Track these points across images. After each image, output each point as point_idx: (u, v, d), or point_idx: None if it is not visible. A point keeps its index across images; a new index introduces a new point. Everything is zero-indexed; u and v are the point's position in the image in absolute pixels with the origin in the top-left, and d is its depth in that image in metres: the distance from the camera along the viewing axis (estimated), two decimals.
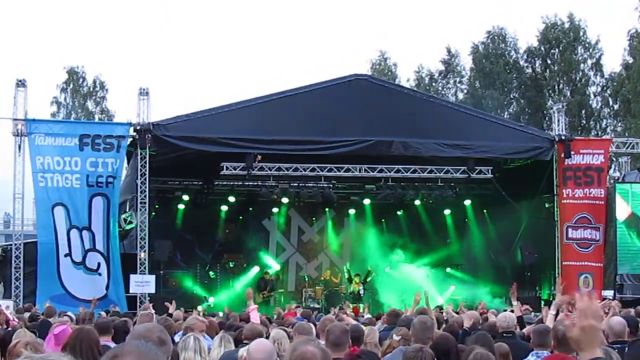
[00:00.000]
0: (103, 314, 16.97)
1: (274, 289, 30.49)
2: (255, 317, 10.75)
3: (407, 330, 8.24)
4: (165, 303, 16.34)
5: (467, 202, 31.13)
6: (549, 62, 53.43)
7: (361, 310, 24.77)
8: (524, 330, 11.18)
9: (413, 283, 29.32)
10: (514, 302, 13.02)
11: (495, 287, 28.19)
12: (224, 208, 30.50)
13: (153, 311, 13.69)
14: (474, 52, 54.42)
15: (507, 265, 29.13)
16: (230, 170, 25.61)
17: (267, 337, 8.42)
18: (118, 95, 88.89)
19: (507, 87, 53.58)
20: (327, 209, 32.58)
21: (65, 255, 23.49)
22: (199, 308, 23.64)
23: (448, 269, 31.58)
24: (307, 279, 31.77)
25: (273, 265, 31.83)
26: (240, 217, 31.66)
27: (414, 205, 30.99)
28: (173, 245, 28.84)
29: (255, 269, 31.15)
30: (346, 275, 30.80)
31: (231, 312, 17.43)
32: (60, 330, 8.16)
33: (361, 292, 29.75)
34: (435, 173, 27.03)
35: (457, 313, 15.82)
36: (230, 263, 31.47)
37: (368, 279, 30.39)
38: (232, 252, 31.63)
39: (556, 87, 53.02)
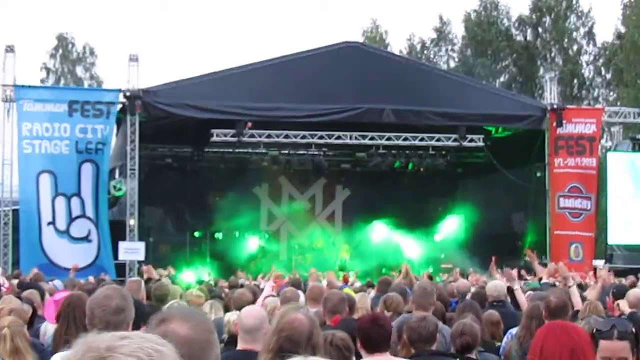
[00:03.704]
0: (91, 279, 16.91)
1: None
2: (267, 288, 10.56)
3: (397, 302, 8.13)
4: (144, 267, 16.10)
5: (459, 171, 31.16)
6: (540, 30, 53.20)
7: (350, 278, 24.75)
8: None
9: (401, 252, 29.46)
10: (496, 276, 12.93)
11: (485, 256, 28.20)
12: (214, 175, 30.40)
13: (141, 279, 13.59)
14: (466, 20, 54.14)
15: (498, 234, 29.16)
16: (220, 137, 25.47)
17: None
18: (107, 61, 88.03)
19: (498, 56, 53.36)
20: (317, 177, 32.55)
21: (48, 224, 23.30)
22: (188, 276, 23.53)
23: (438, 238, 31.62)
24: (297, 247, 31.84)
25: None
26: (231, 185, 31.58)
27: (405, 173, 30.95)
28: (163, 212, 28.79)
29: (253, 240, 31.25)
30: (335, 244, 30.92)
31: (220, 280, 17.41)
32: (62, 297, 8.06)
33: (347, 260, 29.95)
34: (427, 141, 26.95)
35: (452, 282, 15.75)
36: (221, 231, 31.45)
37: (353, 248, 30.62)
38: (222, 220, 31.56)
39: (548, 55, 52.85)
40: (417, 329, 6.30)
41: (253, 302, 9.25)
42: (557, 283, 12.01)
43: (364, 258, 30.49)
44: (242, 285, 13.59)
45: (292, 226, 33.29)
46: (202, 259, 30.13)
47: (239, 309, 8.21)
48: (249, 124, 25.34)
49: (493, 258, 14.51)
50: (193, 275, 23.61)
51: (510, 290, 10.48)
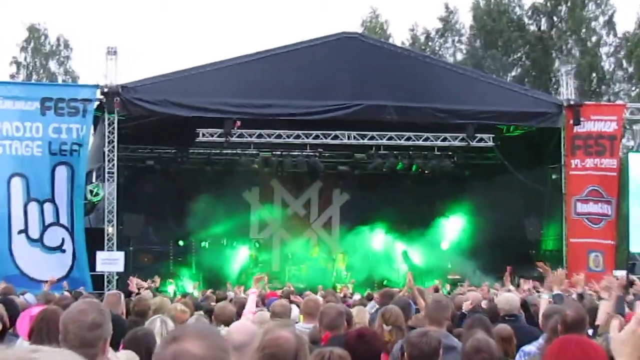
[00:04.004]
0: (67, 294, 16.87)
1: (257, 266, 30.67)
2: (252, 300, 10.58)
3: (397, 314, 8.12)
4: (130, 279, 16.09)
5: (466, 173, 31.22)
6: (556, 19, 53.27)
7: (349, 290, 24.80)
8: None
9: (403, 262, 29.53)
10: (510, 287, 12.97)
11: (496, 266, 28.23)
12: (200, 178, 30.42)
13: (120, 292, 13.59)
14: (475, 9, 54.21)
15: (510, 242, 29.14)
16: (207, 137, 25.51)
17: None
18: (83, 55, 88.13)
19: (510, 47, 53.42)
20: (313, 180, 32.58)
21: (20, 232, 23.27)
22: (170, 289, 23.60)
23: (444, 246, 31.65)
24: (291, 257, 31.87)
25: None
26: (218, 189, 31.56)
27: (408, 175, 30.96)
28: (144, 219, 28.77)
29: (244, 249, 31.28)
30: (332, 253, 30.99)
31: (207, 292, 17.40)
32: (38, 312, 8.06)
33: (343, 272, 30.04)
34: (432, 141, 27.02)
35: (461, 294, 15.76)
36: (207, 239, 31.47)
37: (348, 258, 30.75)
38: (209, 227, 31.53)
39: (564, 47, 52.87)
40: (419, 344, 6.30)
41: (237, 315, 9.28)
42: (573, 294, 12.04)
43: (364, 268, 30.56)
44: (231, 300, 13.60)
45: (286, 234, 33.33)
46: (187, 270, 30.16)
47: (224, 323, 8.24)
48: (238, 123, 25.36)
49: (508, 268, 14.50)
50: (175, 288, 23.62)
51: (525, 305, 10.49)
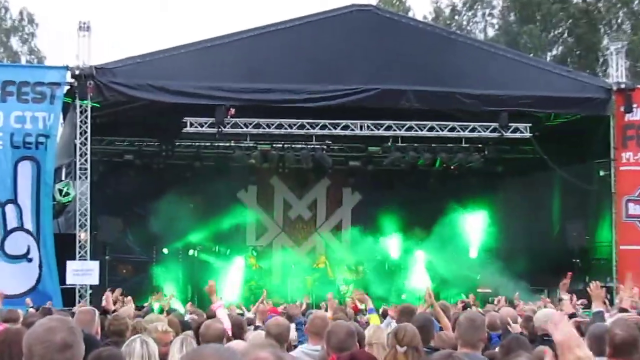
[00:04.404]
0: (33, 311, 16.88)
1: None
2: (223, 316, 10.66)
3: (412, 334, 8.10)
4: (106, 294, 16.09)
5: (499, 169, 31.18)
6: None
7: (362, 306, 24.76)
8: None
9: (426, 273, 29.50)
10: (564, 296, 12.90)
11: (534, 278, 28.19)
12: (188, 175, 30.43)
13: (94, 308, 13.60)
14: None
15: (549, 249, 29.11)
16: (196, 127, 25.49)
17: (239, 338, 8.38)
18: (51, 31, 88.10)
19: (550, 22, 53.35)
20: (320, 177, 32.57)
21: None
22: (155, 305, 23.52)
23: (473, 254, 31.60)
24: (294, 267, 31.89)
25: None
26: (209, 188, 31.55)
27: (430, 172, 30.94)
28: (123, 223, 28.78)
29: (239, 260, 31.28)
30: (342, 263, 30.98)
31: (196, 310, 17.40)
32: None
33: (342, 285, 30.13)
34: (459, 131, 26.94)
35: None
36: (197, 247, 31.50)
37: (363, 268, 30.80)
38: (198, 233, 31.57)
39: (614, 21, 52.82)
40: None
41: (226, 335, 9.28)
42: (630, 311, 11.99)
43: (379, 280, 30.55)
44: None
45: (288, 240, 33.38)
46: (173, 282, 30.15)
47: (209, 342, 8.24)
48: (232, 111, 25.34)
49: (568, 274, 14.33)
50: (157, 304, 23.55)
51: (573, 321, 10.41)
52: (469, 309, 17.35)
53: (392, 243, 31.73)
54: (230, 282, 30.23)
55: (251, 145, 28.42)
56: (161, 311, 19.06)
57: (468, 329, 7.92)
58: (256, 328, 10.56)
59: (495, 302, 19.55)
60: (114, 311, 13.62)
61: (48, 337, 4.56)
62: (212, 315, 12.18)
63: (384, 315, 15.73)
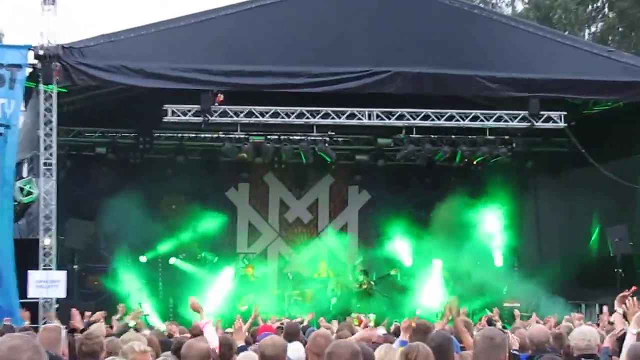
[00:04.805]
0: None
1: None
2: (210, 333, 10.67)
3: (425, 355, 8.12)
4: (74, 311, 16.09)
5: (529, 164, 31.18)
6: None
7: (371, 323, 24.79)
8: (606, 344, 11.05)
9: (445, 284, 29.47)
10: (619, 309, 12.84)
11: (569, 290, 28.19)
12: (170, 172, 30.43)
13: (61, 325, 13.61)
14: None
15: (587, 258, 29.11)
16: (178, 116, 25.49)
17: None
18: (9, 4, 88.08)
19: None
20: (322, 174, 32.57)
21: None
22: (130, 323, 23.49)
23: (498, 262, 31.55)
24: (292, 278, 31.73)
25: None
26: (194, 186, 31.54)
27: (450, 168, 30.96)
28: (94, 227, 28.78)
29: (228, 270, 31.16)
30: (347, 272, 30.97)
31: (178, 327, 17.43)
32: None
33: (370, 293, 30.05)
34: (482, 121, 26.92)
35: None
36: (179, 254, 31.43)
37: (381, 278, 30.75)
38: (181, 238, 31.52)
39: None
40: None
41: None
42: None
43: (390, 292, 30.53)
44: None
45: (285, 247, 33.31)
46: (152, 295, 30.14)
47: None
48: (220, 97, 25.31)
49: (632, 288, 14.26)
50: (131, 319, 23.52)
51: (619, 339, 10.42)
52: (492, 325, 17.37)
53: (404, 250, 31.64)
54: (216, 295, 30.15)
55: (242, 136, 28.31)
56: (136, 329, 19.12)
57: (485, 349, 7.87)
58: (241, 349, 10.55)
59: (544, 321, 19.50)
60: (83, 330, 13.64)
61: (12, 356, 4.57)
62: (197, 333, 12.20)
63: (396, 334, 15.75)
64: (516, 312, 21.63)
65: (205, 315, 11.51)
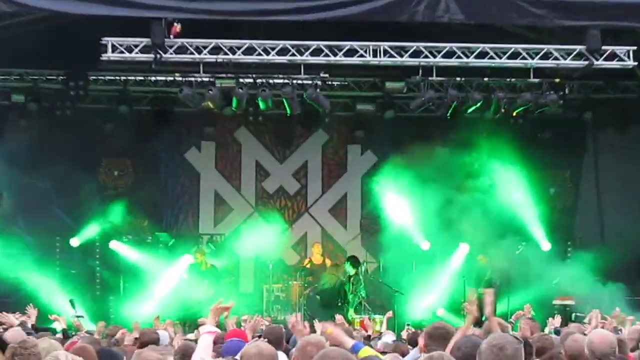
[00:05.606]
0: None
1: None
2: (206, 350, 10.81)
3: None
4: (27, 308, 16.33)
5: (586, 116, 31.25)
6: None
7: (377, 326, 25.02)
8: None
9: (476, 273, 29.68)
10: None
11: (636, 283, 28.35)
12: (110, 127, 30.48)
13: None
14: None
15: None
16: (121, 52, 25.56)
17: None
18: None
19: None
20: (311, 129, 32.63)
21: None
22: (57, 325, 23.71)
23: (546, 246, 31.71)
24: (272, 267, 31.61)
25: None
26: (142, 145, 31.59)
27: (482, 121, 30.93)
28: (12, 201, 28.93)
29: (187, 257, 31.07)
30: (346, 261, 31.08)
31: (117, 330, 17.72)
32: None
33: (362, 293, 29.97)
34: (525, 59, 26.99)
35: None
36: (122, 235, 31.45)
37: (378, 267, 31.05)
38: (124, 214, 31.56)
39: None
40: None
41: None
42: None
43: (402, 285, 30.64)
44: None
45: (264, 225, 33.19)
46: (87, 288, 30.27)
47: None
48: (177, 27, 25.33)
49: None
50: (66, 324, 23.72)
51: None
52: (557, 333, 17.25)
53: (421, 229, 31.76)
54: (168, 289, 30.14)
55: (206, 80, 28.35)
56: (65, 334, 19.35)
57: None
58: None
59: (587, 320, 19.64)
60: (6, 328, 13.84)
61: None
62: (151, 340, 12.42)
63: (411, 343, 15.96)
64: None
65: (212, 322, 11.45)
